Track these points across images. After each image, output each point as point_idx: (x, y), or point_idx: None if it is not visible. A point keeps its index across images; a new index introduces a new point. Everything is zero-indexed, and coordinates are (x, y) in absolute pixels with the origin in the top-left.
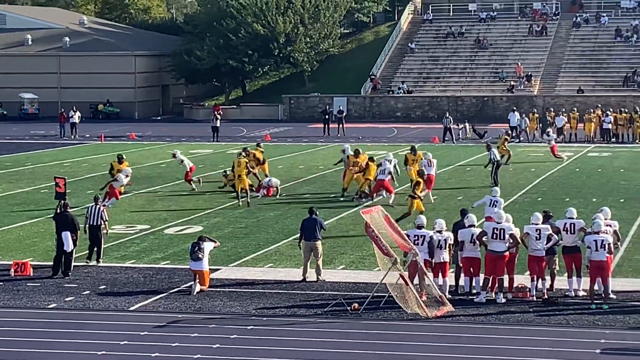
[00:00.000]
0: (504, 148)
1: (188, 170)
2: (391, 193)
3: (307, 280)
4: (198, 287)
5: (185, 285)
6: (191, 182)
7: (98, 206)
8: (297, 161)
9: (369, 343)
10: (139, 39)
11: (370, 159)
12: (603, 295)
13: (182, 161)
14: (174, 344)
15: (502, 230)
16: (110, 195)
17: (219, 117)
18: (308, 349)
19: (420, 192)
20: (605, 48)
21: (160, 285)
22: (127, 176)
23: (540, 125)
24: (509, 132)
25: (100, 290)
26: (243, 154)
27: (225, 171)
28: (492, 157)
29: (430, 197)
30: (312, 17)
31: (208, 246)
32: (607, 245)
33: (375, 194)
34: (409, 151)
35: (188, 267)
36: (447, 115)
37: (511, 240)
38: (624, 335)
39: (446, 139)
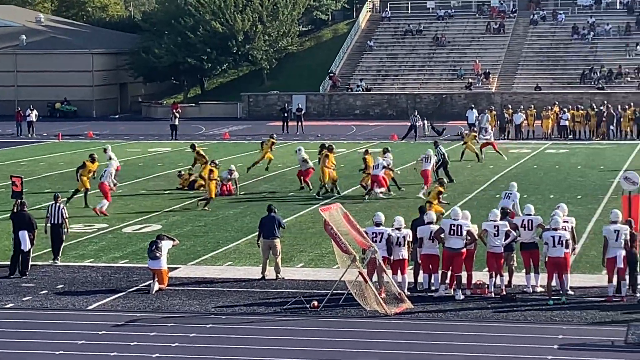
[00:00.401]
0: (471, 144)
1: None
2: (384, 187)
3: (266, 278)
4: (157, 286)
5: (143, 284)
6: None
7: (58, 204)
8: (251, 159)
9: (328, 341)
10: (96, 37)
11: (366, 152)
12: (561, 291)
13: (110, 158)
14: (132, 343)
15: (459, 227)
16: (104, 196)
17: (177, 115)
18: (267, 347)
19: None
20: (562, 45)
21: (118, 284)
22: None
23: (498, 122)
24: (474, 129)
25: (58, 290)
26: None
27: (179, 171)
28: (439, 155)
29: (422, 193)
30: (271, 15)
31: (166, 245)
32: (564, 242)
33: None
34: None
35: (147, 266)
36: (416, 113)
37: (468, 237)
38: (582, 330)
39: (409, 136)
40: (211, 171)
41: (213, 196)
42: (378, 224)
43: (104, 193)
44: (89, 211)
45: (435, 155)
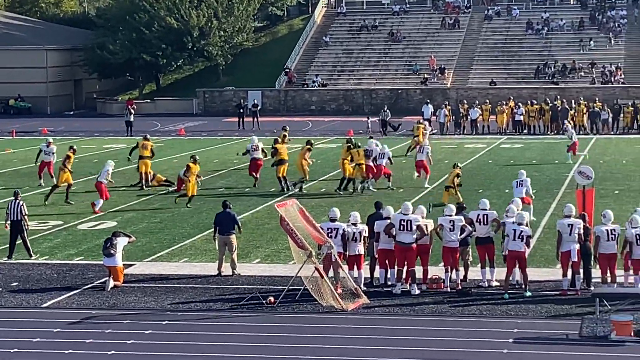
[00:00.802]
0: (416, 138)
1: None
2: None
3: (223, 274)
4: (112, 283)
5: (99, 281)
6: (41, 176)
7: (18, 201)
8: (212, 155)
9: (285, 336)
10: (50, 33)
11: (356, 145)
12: (524, 286)
13: (52, 153)
14: (87, 341)
15: (408, 222)
16: (101, 195)
17: (132, 111)
18: (223, 343)
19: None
20: (517, 40)
21: (73, 281)
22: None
23: (453, 117)
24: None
25: (12, 288)
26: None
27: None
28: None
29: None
30: (226, 10)
31: (122, 241)
32: (524, 237)
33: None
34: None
35: (102, 263)
36: (385, 108)
37: (418, 232)
38: (536, 324)
39: (387, 132)
40: (188, 167)
41: (195, 192)
42: (333, 220)
43: (100, 192)
44: (45, 208)
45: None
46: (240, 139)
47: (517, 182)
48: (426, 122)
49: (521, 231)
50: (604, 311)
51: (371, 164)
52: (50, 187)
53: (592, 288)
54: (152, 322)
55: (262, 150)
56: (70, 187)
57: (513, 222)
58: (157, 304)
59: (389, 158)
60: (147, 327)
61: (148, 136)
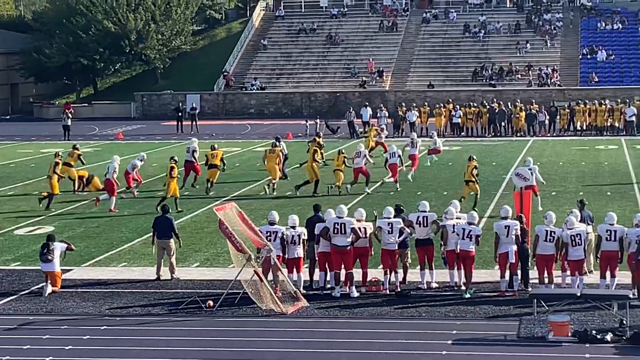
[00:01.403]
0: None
1: None
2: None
3: (161, 278)
4: (49, 289)
5: (36, 287)
6: None
7: None
8: (150, 159)
9: (224, 340)
10: None
11: (340, 152)
12: (462, 286)
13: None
14: (25, 347)
15: (342, 225)
16: (109, 192)
17: (70, 115)
18: (163, 348)
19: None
20: (455, 43)
21: (10, 287)
22: (141, 160)
23: (392, 120)
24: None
25: None
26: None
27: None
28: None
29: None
30: (164, 14)
31: (59, 247)
32: (474, 237)
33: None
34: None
35: (39, 268)
36: (351, 110)
37: (353, 235)
38: (475, 325)
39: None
40: (172, 168)
41: (177, 195)
42: (272, 223)
43: (109, 190)
44: None
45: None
46: (179, 142)
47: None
48: (383, 126)
49: (470, 230)
50: (541, 312)
51: (363, 165)
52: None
53: (529, 289)
54: (90, 328)
55: (220, 159)
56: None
57: (467, 222)
58: (95, 309)
59: (399, 156)
60: (85, 332)
61: (77, 145)
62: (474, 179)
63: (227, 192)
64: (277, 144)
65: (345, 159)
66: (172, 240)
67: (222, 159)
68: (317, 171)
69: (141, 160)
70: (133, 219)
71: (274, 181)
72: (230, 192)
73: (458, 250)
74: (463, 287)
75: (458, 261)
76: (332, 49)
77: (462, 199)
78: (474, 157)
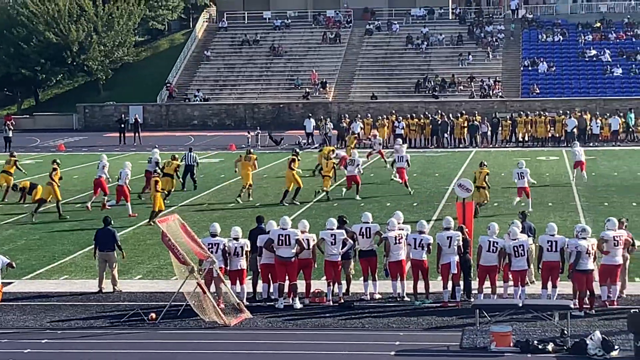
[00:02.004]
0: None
1: None
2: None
3: (104, 291)
4: None
5: None
6: None
7: None
8: (93, 171)
9: (167, 353)
10: None
11: (328, 157)
12: (416, 296)
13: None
14: None
15: (287, 236)
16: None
17: (11, 127)
18: None
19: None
20: (397, 55)
21: None
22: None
23: (337, 131)
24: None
25: None
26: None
27: (15, 185)
28: (188, 161)
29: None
30: (106, 25)
31: (0, 260)
32: (426, 245)
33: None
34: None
35: None
36: (328, 121)
37: (298, 246)
38: (418, 336)
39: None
40: (156, 182)
41: (162, 208)
42: (214, 235)
43: (125, 196)
44: None
45: (184, 160)
46: (122, 154)
47: (517, 173)
48: (376, 133)
49: (422, 239)
50: (483, 322)
51: (356, 173)
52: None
53: (472, 299)
54: (31, 341)
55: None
56: (45, 202)
57: (414, 231)
58: (36, 323)
59: (406, 161)
60: (26, 345)
61: (14, 153)
62: (485, 185)
63: (167, 204)
64: (252, 151)
65: (335, 165)
66: (114, 253)
67: (176, 170)
68: (299, 179)
69: (128, 170)
70: (75, 232)
71: (250, 188)
72: (172, 204)
73: (410, 261)
74: (407, 298)
75: (414, 270)
76: (275, 61)
77: (479, 206)
78: (485, 163)
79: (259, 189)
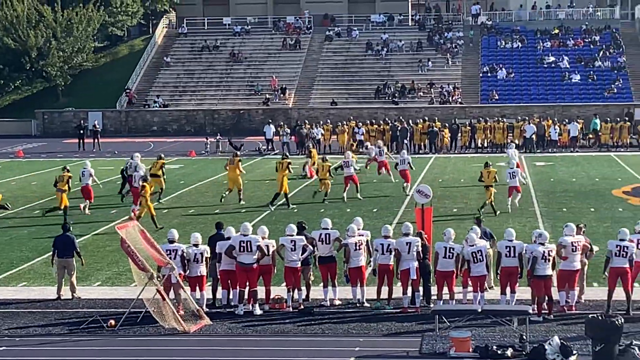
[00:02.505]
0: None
1: None
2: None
3: (62, 298)
4: None
5: None
6: None
7: None
8: (51, 177)
9: None
10: None
11: (323, 159)
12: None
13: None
14: None
15: (248, 243)
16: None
17: None
18: None
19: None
20: (357, 61)
21: None
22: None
23: (297, 137)
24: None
25: None
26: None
27: None
28: (127, 166)
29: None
30: (65, 30)
31: None
32: (393, 250)
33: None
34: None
35: None
36: (313, 126)
37: (259, 253)
38: (378, 342)
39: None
40: (143, 187)
41: (153, 213)
42: (171, 241)
43: (89, 196)
44: None
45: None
46: (81, 160)
47: (509, 173)
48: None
49: (389, 244)
50: (443, 328)
51: (353, 173)
52: None
53: (431, 305)
54: None
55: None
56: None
57: (378, 237)
58: None
59: (408, 163)
60: None
61: None
62: (493, 184)
63: (129, 211)
64: (238, 153)
65: (330, 169)
66: (72, 259)
67: (162, 168)
68: (286, 184)
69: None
70: (33, 238)
71: (240, 191)
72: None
73: (377, 266)
74: (367, 304)
75: (379, 275)
76: (235, 67)
77: (489, 203)
78: (490, 163)
79: (218, 194)
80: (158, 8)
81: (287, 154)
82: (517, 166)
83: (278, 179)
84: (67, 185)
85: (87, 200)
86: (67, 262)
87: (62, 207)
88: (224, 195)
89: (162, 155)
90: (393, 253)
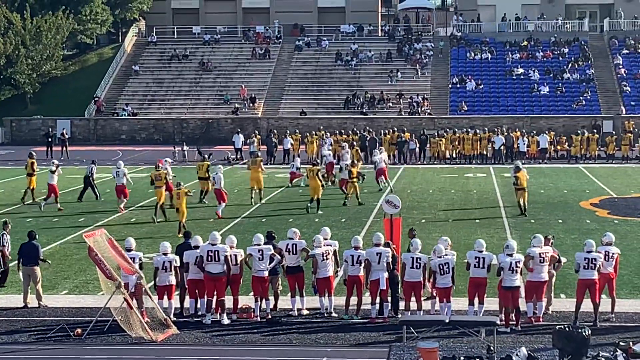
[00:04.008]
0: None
1: None
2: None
3: (29, 306)
4: None
5: None
6: None
7: None
8: (20, 185)
9: None
10: None
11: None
12: (331, 312)
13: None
14: None
15: (216, 252)
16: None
17: None
18: None
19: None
20: (327, 71)
21: None
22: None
23: (265, 146)
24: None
25: None
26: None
27: None
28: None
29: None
30: (34, 38)
31: None
32: (363, 261)
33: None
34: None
35: None
36: (285, 135)
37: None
38: (345, 352)
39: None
40: (178, 194)
41: (184, 219)
42: (129, 249)
43: (55, 193)
44: None
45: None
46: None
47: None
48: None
49: (359, 255)
50: (410, 338)
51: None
52: None
53: (399, 316)
54: None
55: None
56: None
57: (350, 248)
58: None
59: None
60: None
61: None
62: (525, 187)
63: (97, 219)
64: (259, 154)
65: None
66: (37, 267)
67: (165, 177)
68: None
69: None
70: None
71: (260, 190)
72: (101, 219)
73: (347, 277)
74: (334, 314)
75: (348, 286)
76: (204, 76)
77: (522, 204)
78: (521, 166)
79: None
80: (127, 17)
81: (318, 161)
82: (384, 174)
83: (311, 186)
84: (32, 168)
85: (124, 199)
86: (32, 270)
87: (31, 188)
88: (252, 196)
89: (207, 157)
90: (363, 264)
